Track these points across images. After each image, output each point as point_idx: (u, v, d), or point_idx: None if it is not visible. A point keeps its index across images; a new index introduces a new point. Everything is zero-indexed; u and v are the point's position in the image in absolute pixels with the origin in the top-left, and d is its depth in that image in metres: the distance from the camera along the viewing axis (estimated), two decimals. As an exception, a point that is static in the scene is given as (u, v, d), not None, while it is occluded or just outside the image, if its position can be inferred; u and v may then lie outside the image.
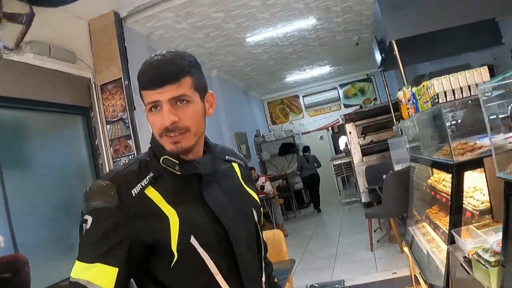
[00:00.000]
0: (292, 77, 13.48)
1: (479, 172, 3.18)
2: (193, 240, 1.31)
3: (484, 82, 2.95)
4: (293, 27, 8.34)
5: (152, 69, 1.32)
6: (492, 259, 2.01)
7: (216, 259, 1.34)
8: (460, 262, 2.49)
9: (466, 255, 2.43)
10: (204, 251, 1.32)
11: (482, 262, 2.08)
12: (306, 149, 12.79)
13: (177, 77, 1.33)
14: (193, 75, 1.38)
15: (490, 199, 2.91)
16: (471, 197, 3.24)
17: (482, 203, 3.07)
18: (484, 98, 2.28)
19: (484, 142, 3.16)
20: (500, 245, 2.00)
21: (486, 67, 3.10)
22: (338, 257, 6.98)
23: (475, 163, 2.97)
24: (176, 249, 1.28)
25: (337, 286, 5.49)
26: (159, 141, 1.38)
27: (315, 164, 12.46)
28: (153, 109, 1.35)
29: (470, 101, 3.19)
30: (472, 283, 2.24)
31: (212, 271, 1.34)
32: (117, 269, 1.22)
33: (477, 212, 3.01)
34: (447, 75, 3.15)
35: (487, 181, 2.90)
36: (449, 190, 3.46)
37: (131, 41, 5.72)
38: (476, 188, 3.33)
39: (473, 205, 3.12)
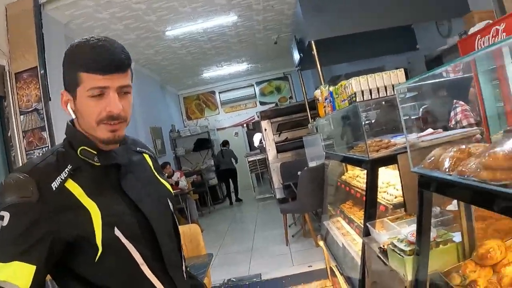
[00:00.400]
0: (209, 73, 13.43)
1: (392, 169, 3.35)
2: (117, 232, 1.29)
3: (400, 83, 3.12)
4: (214, 23, 8.31)
5: (103, 53, 1.27)
6: (407, 249, 2.14)
7: (140, 249, 1.34)
8: (376, 253, 2.62)
9: (382, 246, 2.57)
10: (129, 242, 1.31)
11: (398, 251, 2.21)
12: (225, 143, 12.91)
13: (126, 66, 1.32)
14: (131, 67, 1.38)
15: (403, 194, 3.08)
16: (385, 192, 3.42)
17: (395, 197, 3.24)
18: (400, 98, 2.41)
19: (398, 140, 3.33)
20: (415, 235, 2.13)
21: (402, 69, 3.27)
22: (254, 252, 7.08)
23: (389, 160, 3.12)
24: (100, 242, 1.25)
25: (254, 280, 5.57)
26: (92, 130, 1.34)
27: (232, 159, 12.60)
28: (94, 95, 1.30)
29: (385, 101, 3.36)
30: (388, 273, 2.37)
31: (138, 261, 1.33)
32: (35, 267, 1.15)
33: (391, 206, 3.19)
34: (365, 75, 3.29)
35: (400, 177, 3.06)
36: (363, 185, 3.65)
37: (49, 28, 5.40)
38: (389, 183, 3.52)
39: (386, 200, 3.29)
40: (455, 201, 2.74)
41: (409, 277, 2.07)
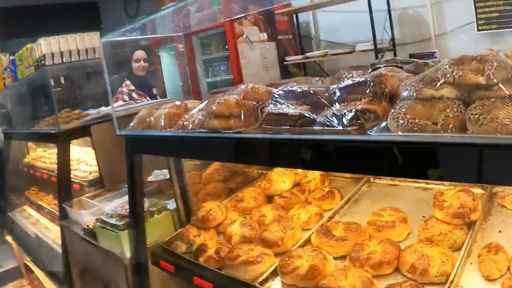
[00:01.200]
0: None
1: (81, 145, 3.18)
2: None
3: (94, 46, 2.86)
4: None
5: None
6: (120, 223, 1.91)
7: None
8: (80, 235, 2.31)
9: (86, 227, 2.28)
10: None
11: (110, 228, 1.96)
12: None
13: None
14: None
15: (99, 169, 2.85)
16: (76, 169, 3.16)
17: (90, 173, 3.01)
18: (104, 57, 2.14)
19: (90, 110, 3.12)
20: (125, 208, 1.91)
21: (97, 32, 3.01)
22: None
23: (82, 131, 2.88)
24: None
25: None
26: None
27: None
28: None
29: (79, 67, 3.07)
30: (100, 254, 2.10)
31: None
32: None
33: (86, 183, 2.94)
34: (56, 36, 2.89)
35: (95, 151, 2.82)
36: (49, 166, 3.39)
37: None
38: (80, 160, 3.25)
39: (80, 177, 3.04)
40: (155, 172, 2.66)
41: (127, 253, 1.87)
